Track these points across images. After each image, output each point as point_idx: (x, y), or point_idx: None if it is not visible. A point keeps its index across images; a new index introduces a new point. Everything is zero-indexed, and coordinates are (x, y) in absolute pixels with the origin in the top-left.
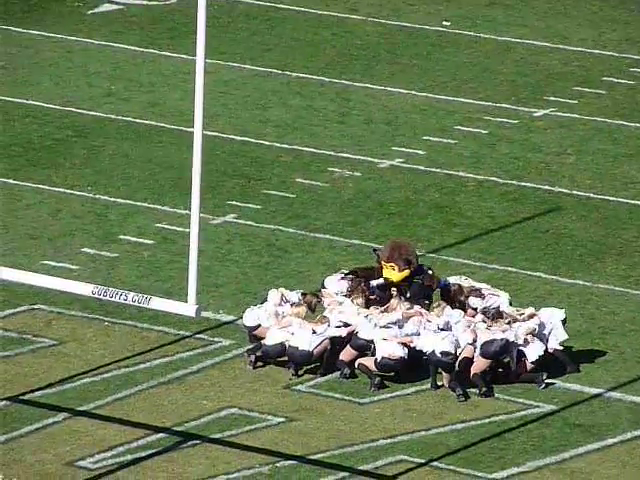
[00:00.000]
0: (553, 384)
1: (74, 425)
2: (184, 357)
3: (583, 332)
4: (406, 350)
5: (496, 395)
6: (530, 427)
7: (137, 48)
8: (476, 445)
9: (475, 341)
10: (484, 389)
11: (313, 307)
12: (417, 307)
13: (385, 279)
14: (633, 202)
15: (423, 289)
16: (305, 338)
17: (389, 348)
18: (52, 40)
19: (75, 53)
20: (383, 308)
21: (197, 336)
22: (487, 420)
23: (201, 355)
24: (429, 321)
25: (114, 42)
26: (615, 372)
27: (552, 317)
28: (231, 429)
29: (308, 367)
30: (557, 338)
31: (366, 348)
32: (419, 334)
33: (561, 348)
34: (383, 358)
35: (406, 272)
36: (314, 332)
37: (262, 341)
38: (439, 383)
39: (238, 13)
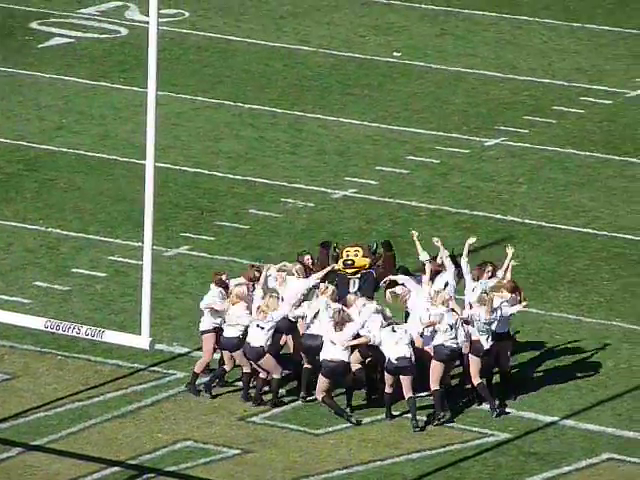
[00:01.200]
0: (507, 413)
1: (28, 460)
2: (138, 390)
3: (536, 359)
4: (347, 353)
5: (451, 424)
6: (485, 455)
7: (88, 81)
8: (432, 474)
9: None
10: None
11: (255, 280)
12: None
13: (347, 260)
14: (584, 230)
15: (374, 282)
16: (256, 336)
17: (332, 352)
18: (2, 74)
19: (26, 87)
20: (339, 306)
21: (151, 369)
22: (442, 449)
23: (155, 388)
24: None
25: (65, 75)
26: (569, 400)
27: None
28: (186, 462)
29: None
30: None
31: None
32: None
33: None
34: (324, 360)
35: (368, 259)
36: (261, 327)
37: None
38: (394, 413)
39: (189, 45)
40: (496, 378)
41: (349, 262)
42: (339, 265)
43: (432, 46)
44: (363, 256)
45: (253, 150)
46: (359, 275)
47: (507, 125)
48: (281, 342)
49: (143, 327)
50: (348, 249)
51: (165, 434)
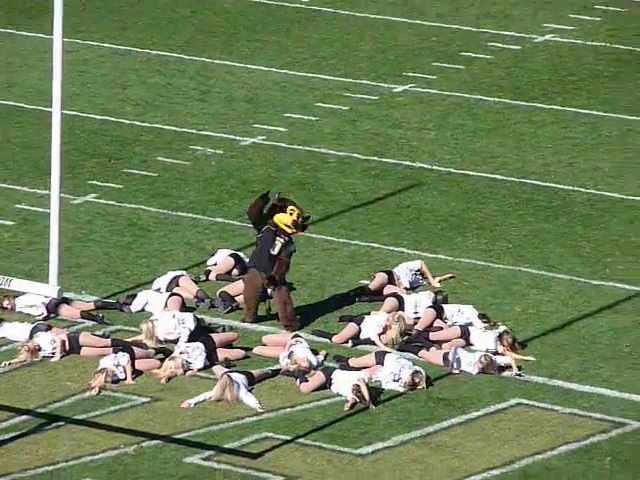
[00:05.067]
0: (417, 360)
1: None
2: None
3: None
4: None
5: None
6: (394, 402)
7: None
8: (341, 421)
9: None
10: None
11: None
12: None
13: (305, 220)
14: (492, 176)
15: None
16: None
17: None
18: None
19: None
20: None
21: (60, 317)
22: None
23: None
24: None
25: None
26: None
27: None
28: (95, 410)
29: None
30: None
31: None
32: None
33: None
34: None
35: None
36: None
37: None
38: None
39: None
40: None
41: (304, 218)
42: (286, 221)
43: None
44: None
45: (161, 97)
46: (285, 238)
47: (415, 71)
48: None
49: (51, 275)
50: (292, 207)
51: (74, 382)
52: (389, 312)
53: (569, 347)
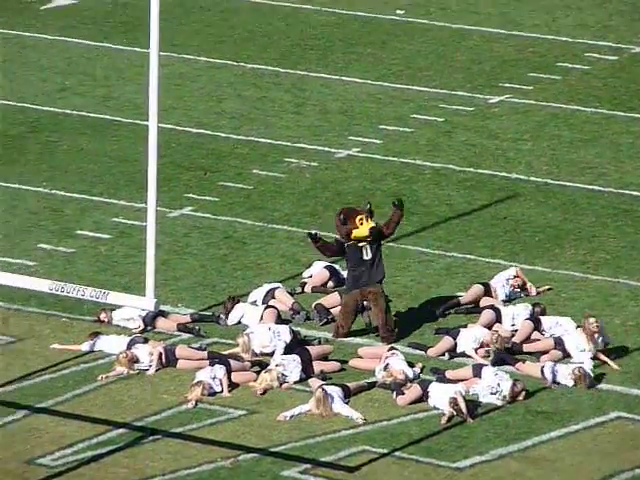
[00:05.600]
0: (514, 372)
1: (33, 422)
2: None
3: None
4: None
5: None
6: (492, 415)
7: (91, 42)
8: (438, 434)
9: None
10: None
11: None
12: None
13: (373, 228)
14: (590, 187)
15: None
16: None
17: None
18: (5, 37)
19: (29, 49)
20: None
21: (156, 330)
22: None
23: None
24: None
25: (67, 37)
26: None
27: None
28: (192, 423)
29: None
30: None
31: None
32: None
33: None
34: None
35: (372, 223)
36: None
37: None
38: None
39: (191, 5)
40: None
41: (375, 229)
42: (364, 233)
43: (435, 3)
44: (367, 221)
45: (256, 110)
46: (368, 242)
47: (511, 82)
48: None
49: (148, 288)
50: (359, 217)
51: (171, 395)
52: (486, 325)
53: None
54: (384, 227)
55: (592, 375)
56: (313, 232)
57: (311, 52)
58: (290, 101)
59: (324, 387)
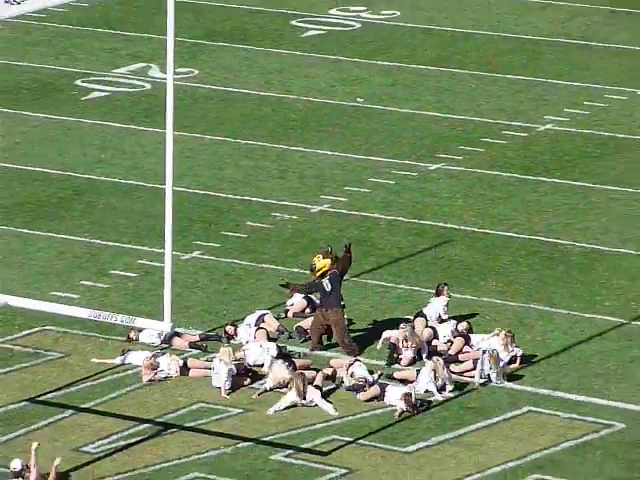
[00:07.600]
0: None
1: (78, 419)
2: None
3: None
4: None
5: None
6: (433, 410)
7: (121, 125)
8: (392, 426)
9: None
10: None
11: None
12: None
13: (311, 265)
14: (507, 234)
15: (339, 278)
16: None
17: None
18: (54, 121)
19: (73, 130)
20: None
21: (172, 347)
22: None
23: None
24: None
25: (103, 121)
26: None
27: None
28: (201, 419)
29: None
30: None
31: None
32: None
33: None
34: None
35: (327, 260)
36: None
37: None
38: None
39: (198, 96)
40: None
41: (312, 266)
42: (320, 265)
43: (387, 93)
44: (323, 259)
45: (249, 176)
46: (328, 277)
47: (446, 153)
48: None
49: (165, 315)
50: (317, 256)
51: (184, 398)
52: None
53: (568, 366)
54: (338, 264)
55: (500, 374)
56: (284, 282)
57: (291, 131)
58: (275, 169)
59: (302, 372)
